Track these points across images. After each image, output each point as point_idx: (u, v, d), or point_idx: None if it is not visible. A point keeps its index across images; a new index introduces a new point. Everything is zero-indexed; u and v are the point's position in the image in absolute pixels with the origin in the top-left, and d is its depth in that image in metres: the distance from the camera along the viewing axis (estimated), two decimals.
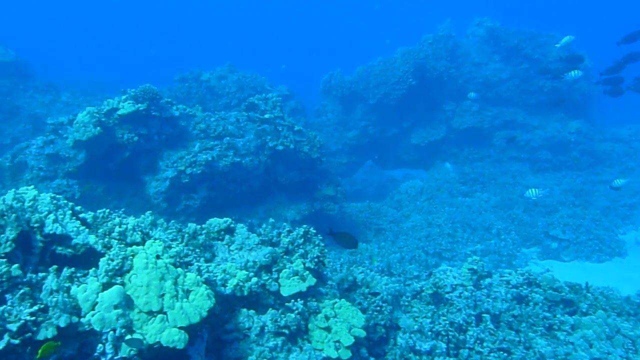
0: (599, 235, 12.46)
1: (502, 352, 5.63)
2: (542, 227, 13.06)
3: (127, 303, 3.72)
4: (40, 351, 3.29)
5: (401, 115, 16.63)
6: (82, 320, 3.61)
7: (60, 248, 4.21)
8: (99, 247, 4.23)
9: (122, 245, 4.10)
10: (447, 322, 5.83)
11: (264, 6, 67.88)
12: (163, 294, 3.83)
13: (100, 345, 3.57)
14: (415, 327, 5.68)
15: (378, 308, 5.58)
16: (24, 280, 3.66)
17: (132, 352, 3.53)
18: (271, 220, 5.64)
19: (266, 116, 11.09)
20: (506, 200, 14.44)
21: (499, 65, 16.63)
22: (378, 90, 16.11)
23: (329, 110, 17.77)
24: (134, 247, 4.11)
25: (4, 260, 3.60)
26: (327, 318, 4.87)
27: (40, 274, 3.81)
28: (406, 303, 6.21)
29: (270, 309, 4.79)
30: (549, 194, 14.03)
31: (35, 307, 3.45)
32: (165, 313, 3.76)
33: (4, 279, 3.52)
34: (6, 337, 3.28)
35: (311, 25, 68.66)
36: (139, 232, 4.47)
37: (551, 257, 12.38)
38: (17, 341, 3.30)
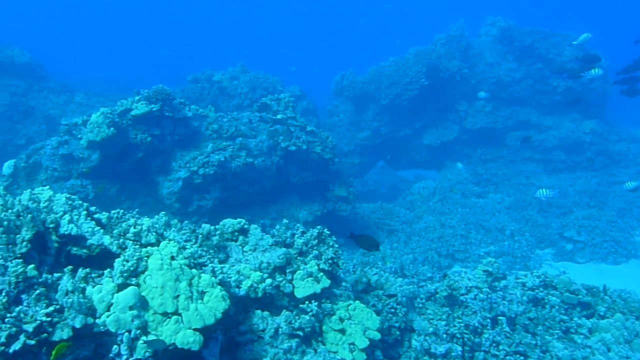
0: (614, 236, 12.30)
1: (518, 356, 5.55)
2: (557, 229, 12.92)
3: (142, 304, 3.71)
4: (54, 352, 3.29)
5: (413, 115, 16.54)
6: (97, 321, 3.61)
7: (75, 248, 4.21)
8: (113, 248, 4.23)
9: (137, 246, 4.10)
10: (462, 324, 5.77)
11: (274, 7, 67.97)
12: (178, 295, 3.81)
13: (115, 346, 3.57)
14: (430, 329, 5.62)
15: (392, 310, 5.53)
16: (40, 280, 3.66)
17: (147, 354, 3.52)
18: (285, 221, 5.61)
19: (278, 116, 11.07)
20: (520, 201, 14.31)
21: (512, 65, 16.49)
22: (390, 90, 16.04)
23: (340, 110, 17.72)
24: (149, 248, 4.10)
25: (20, 260, 3.61)
26: (341, 320, 4.83)
27: (56, 275, 3.81)
28: (420, 305, 6.15)
29: (285, 310, 4.77)
30: (559, 194, 13.89)
31: (51, 308, 3.45)
32: (180, 314, 3.75)
33: (20, 280, 3.52)
34: (22, 338, 3.28)
35: (322, 25, 68.67)
36: (154, 233, 4.47)
37: (566, 259, 12.24)
38: (33, 342, 3.30)
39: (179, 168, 9.74)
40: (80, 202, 4.60)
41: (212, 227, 5.34)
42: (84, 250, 4.23)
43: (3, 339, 3.20)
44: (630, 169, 15.49)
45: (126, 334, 3.56)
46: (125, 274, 3.83)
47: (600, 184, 14.86)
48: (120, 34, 61.92)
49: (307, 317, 4.62)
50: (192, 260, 4.28)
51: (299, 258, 5.23)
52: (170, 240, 4.41)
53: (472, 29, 17.46)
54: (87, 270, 3.91)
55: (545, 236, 12.84)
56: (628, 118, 20.17)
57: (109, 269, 3.98)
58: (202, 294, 3.93)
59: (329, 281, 5.01)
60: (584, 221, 12.77)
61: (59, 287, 3.68)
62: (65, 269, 3.81)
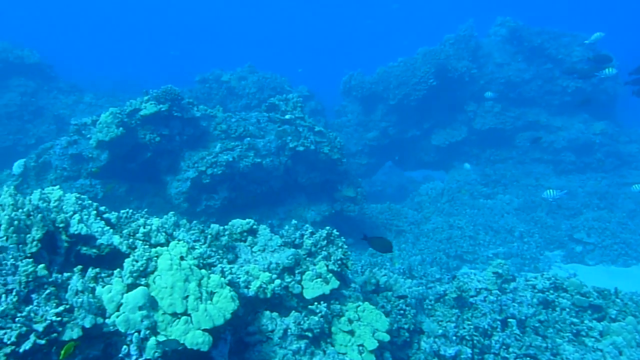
0: (625, 238, 12.18)
1: (528, 359, 5.51)
2: (566, 230, 12.81)
3: (151, 304, 3.71)
4: (62, 352, 3.30)
5: (422, 116, 16.49)
6: (106, 321, 3.61)
7: (85, 248, 4.22)
8: (123, 248, 4.24)
9: (147, 246, 4.09)
10: (471, 326, 5.73)
11: (281, 7, 68.04)
12: (187, 296, 3.81)
13: (124, 346, 3.56)
14: (440, 331, 5.58)
15: (402, 311, 5.50)
16: (50, 280, 3.67)
17: (156, 354, 3.51)
18: (294, 221, 5.60)
19: (287, 117, 11.06)
20: (529, 203, 14.21)
21: (521, 66, 16.40)
22: (398, 90, 16.00)
23: (349, 111, 17.70)
24: (158, 248, 4.10)
25: (30, 260, 3.61)
26: (350, 321, 4.81)
27: (66, 274, 3.82)
28: (429, 306, 6.12)
29: (294, 311, 4.75)
30: (569, 196, 13.79)
31: (61, 308, 3.46)
32: (189, 315, 3.74)
33: (30, 279, 3.53)
34: (32, 337, 3.29)
35: (329, 25, 68.68)
36: (163, 233, 4.47)
37: (575, 261, 12.13)
38: (43, 341, 3.31)
39: (188, 168, 9.75)
40: (89, 201, 4.60)
41: (221, 228, 5.33)
42: (94, 250, 4.24)
43: (14, 339, 3.21)
44: None
45: (135, 334, 3.55)
46: (134, 274, 3.83)
47: (611, 186, 14.72)
48: (129, 34, 62.27)
49: (316, 318, 4.60)
50: (201, 261, 4.27)
51: (307, 259, 5.21)
52: (179, 240, 4.40)
53: (481, 29, 17.39)
54: (97, 270, 3.91)
55: (555, 238, 12.75)
56: (639, 119, 20.00)
57: (118, 269, 3.98)
58: (211, 294, 3.92)
59: (338, 282, 4.99)
60: (594, 223, 12.67)
61: (69, 286, 3.68)
62: (75, 269, 3.82)
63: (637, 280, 10.85)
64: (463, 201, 14.56)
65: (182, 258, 4.03)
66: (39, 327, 3.32)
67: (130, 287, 3.76)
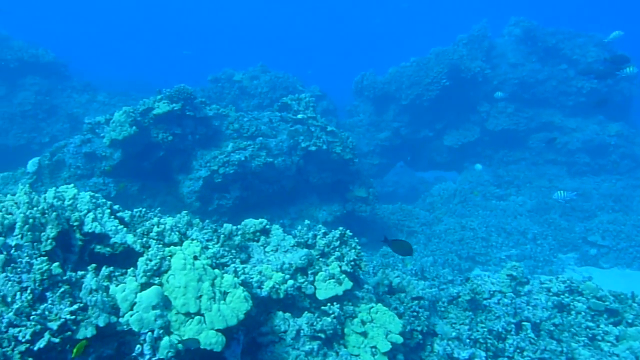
0: None
1: None
2: (580, 233, 12.66)
3: (165, 304, 3.70)
4: (75, 350, 3.30)
5: (434, 116, 16.40)
6: (120, 320, 3.61)
7: (98, 247, 4.22)
8: (137, 247, 4.23)
9: (160, 246, 4.09)
10: (485, 329, 5.67)
11: (292, 7, 68.11)
12: (200, 296, 3.79)
13: (138, 345, 3.55)
14: (453, 334, 5.52)
15: (415, 313, 5.45)
16: (64, 278, 3.67)
17: (169, 354, 3.50)
18: (307, 222, 5.57)
19: (299, 116, 11.04)
20: (542, 204, 14.07)
21: (535, 66, 16.24)
22: (411, 90, 15.92)
23: (360, 111, 17.64)
24: (172, 247, 4.09)
25: (45, 258, 3.62)
26: (363, 323, 4.77)
27: (80, 273, 3.82)
28: (442, 308, 6.06)
29: (306, 312, 4.72)
30: (583, 198, 13.63)
31: (75, 306, 3.46)
32: (202, 315, 3.73)
33: (44, 277, 3.53)
34: (47, 336, 3.29)
35: (339, 25, 68.63)
36: (177, 233, 4.46)
37: (590, 264, 11.99)
38: (57, 340, 3.31)
39: (200, 167, 9.76)
40: (103, 200, 4.61)
41: (234, 227, 5.32)
42: (107, 249, 4.24)
43: (28, 337, 3.21)
44: None
45: (149, 333, 3.55)
46: (148, 273, 3.82)
47: (626, 188, 14.53)
48: (142, 34, 62.68)
49: (329, 319, 4.57)
50: (214, 261, 4.26)
51: (320, 259, 5.18)
52: (193, 239, 4.39)
53: (495, 29, 17.29)
54: (111, 268, 3.91)
55: (569, 240, 12.60)
56: None
57: (132, 268, 3.98)
58: (224, 294, 3.91)
59: (351, 283, 4.96)
60: (609, 225, 12.50)
61: (83, 285, 3.68)
62: (88, 267, 3.82)
63: None
64: (475, 202, 14.45)
65: (195, 258, 4.02)
66: (54, 326, 3.33)
67: (144, 286, 3.76)
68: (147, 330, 3.57)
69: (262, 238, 5.39)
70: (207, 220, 5.76)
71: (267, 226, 5.49)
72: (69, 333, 3.38)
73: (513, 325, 5.76)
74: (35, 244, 3.79)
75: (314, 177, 11.05)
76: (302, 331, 4.54)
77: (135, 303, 3.64)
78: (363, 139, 16.89)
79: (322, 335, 4.53)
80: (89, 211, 4.31)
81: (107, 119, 10.04)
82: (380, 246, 10.77)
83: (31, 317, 3.30)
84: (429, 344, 5.48)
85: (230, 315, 3.78)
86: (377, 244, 11.12)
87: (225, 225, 5.26)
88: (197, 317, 3.71)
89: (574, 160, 15.53)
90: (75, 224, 4.11)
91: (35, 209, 3.88)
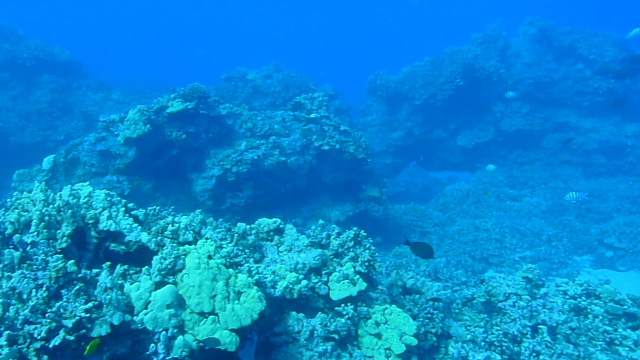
0: None
1: None
2: (596, 235, 12.48)
3: (179, 303, 3.69)
4: (87, 348, 3.29)
5: (448, 116, 16.28)
6: (134, 318, 3.60)
7: (113, 245, 4.23)
8: (151, 245, 4.23)
9: (175, 244, 4.08)
10: (500, 332, 5.59)
11: (305, 6, 68.08)
12: (214, 295, 3.78)
13: (152, 344, 3.55)
14: (468, 336, 5.46)
15: (429, 315, 5.40)
16: (79, 276, 3.67)
17: (183, 353, 3.49)
18: (320, 221, 5.53)
19: (312, 116, 11.01)
20: (557, 206, 13.90)
21: (551, 66, 16.05)
22: (424, 90, 15.82)
23: (373, 110, 17.57)
24: (186, 246, 4.08)
25: (60, 255, 3.63)
26: (377, 324, 4.73)
27: (94, 270, 3.82)
28: (457, 310, 6.00)
29: (320, 312, 4.69)
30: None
31: (90, 304, 3.46)
32: (216, 314, 3.71)
33: (60, 275, 3.54)
34: (62, 333, 3.29)
35: (352, 24, 68.51)
36: (191, 231, 4.45)
37: (605, 267, 11.81)
38: (72, 337, 3.31)
39: (213, 166, 9.77)
40: (118, 198, 4.61)
41: (248, 226, 5.31)
42: (122, 247, 4.24)
43: (44, 334, 3.22)
44: None
45: (163, 332, 3.54)
46: (163, 272, 3.82)
47: None
48: (156, 33, 63.08)
49: (342, 320, 4.54)
50: (228, 260, 4.24)
51: (334, 260, 5.15)
52: (207, 238, 4.38)
53: (510, 29, 17.12)
54: (125, 266, 3.91)
55: (584, 242, 12.43)
56: None
57: (146, 267, 3.97)
58: (238, 294, 3.89)
59: (365, 284, 4.92)
60: (625, 227, 12.30)
61: (98, 283, 3.68)
62: (103, 265, 3.82)
63: None
64: (489, 203, 14.32)
65: (209, 257, 4.01)
66: (69, 323, 3.33)
67: (158, 285, 3.75)
68: (161, 329, 3.56)
69: (276, 237, 5.36)
70: (220, 219, 5.75)
71: (281, 225, 5.47)
72: (84, 331, 3.39)
73: (529, 329, 5.68)
74: (50, 241, 3.80)
75: (327, 176, 11.01)
76: (315, 332, 4.51)
77: (149, 302, 3.63)
78: (376, 138, 16.82)
79: (336, 336, 4.49)
80: (104, 209, 4.32)
81: (121, 117, 10.09)
82: (393, 246, 10.71)
83: (46, 315, 3.31)
84: (444, 347, 5.42)
85: (244, 315, 3.76)
86: (390, 244, 11.07)
87: (239, 224, 5.24)
88: (211, 317, 3.69)
89: (589, 161, 15.34)
90: (91, 221, 4.12)
91: (51, 206, 3.89)
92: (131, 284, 3.77)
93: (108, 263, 3.82)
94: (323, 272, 4.93)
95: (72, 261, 3.63)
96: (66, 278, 3.58)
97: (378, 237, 10.78)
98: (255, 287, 3.98)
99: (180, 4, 67.19)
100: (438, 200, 15.44)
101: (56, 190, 4.37)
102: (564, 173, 15.31)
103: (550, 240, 12.26)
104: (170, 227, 4.40)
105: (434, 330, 5.34)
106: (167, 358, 3.50)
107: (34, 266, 3.57)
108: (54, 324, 3.29)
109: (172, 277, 3.84)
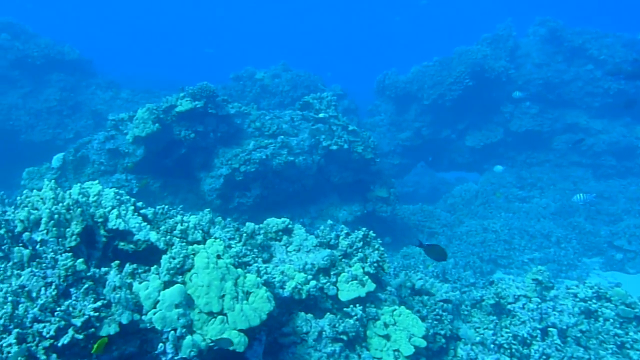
0: None
1: None
2: (606, 237, 12.37)
3: (187, 302, 3.68)
4: (95, 347, 3.29)
5: (456, 116, 16.19)
6: (143, 317, 3.59)
7: (122, 243, 4.23)
8: (160, 245, 4.22)
9: (184, 244, 4.07)
10: (510, 334, 5.54)
11: (314, 6, 68.04)
12: (223, 295, 3.76)
13: (160, 344, 3.54)
14: (477, 338, 5.42)
15: (438, 317, 5.36)
16: (88, 274, 3.67)
17: (192, 353, 3.48)
18: (329, 222, 5.51)
19: (321, 115, 10.99)
20: (566, 207, 13.80)
21: (561, 66, 15.93)
22: (433, 90, 15.74)
23: (382, 110, 17.51)
24: (195, 245, 4.07)
25: (70, 254, 3.62)
26: (386, 325, 4.70)
27: (103, 269, 3.82)
28: (466, 312, 5.96)
29: (328, 313, 4.67)
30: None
31: (99, 303, 3.45)
32: (225, 314, 3.70)
33: (69, 273, 3.54)
34: (70, 332, 3.29)
35: (360, 24, 68.42)
36: (200, 231, 4.44)
37: (615, 269, 11.70)
38: (81, 336, 3.30)
39: (221, 165, 9.77)
40: (127, 197, 4.61)
41: (257, 226, 5.29)
42: (131, 246, 4.24)
43: (52, 332, 3.22)
44: None
45: (172, 332, 3.53)
46: (171, 271, 3.81)
47: None
48: (165, 32, 63.31)
49: (351, 321, 4.51)
50: (237, 260, 4.23)
51: (343, 260, 5.12)
52: (216, 238, 4.37)
53: (519, 29, 17.01)
54: (134, 265, 3.91)
55: (594, 244, 12.33)
56: None
57: (155, 266, 3.96)
58: (247, 294, 3.87)
59: (374, 285, 4.89)
60: (636, 230, 12.18)
61: (107, 282, 3.68)
62: (112, 264, 3.82)
63: None
64: (498, 204, 14.24)
65: (218, 256, 3.99)
66: (77, 322, 3.33)
67: (167, 285, 3.74)
68: (169, 329, 3.55)
69: (285, 237, 5.35)
70: (228, 219, 5.74)
71: (290, 225, 5.45)
72: (93, 330, 3.38)
73: (539, 331, 5.62)
74: (60, 239, 3.81)
75: (335, 176, 10.99)
76: (324, 333, 4.48)
77: (158, 301, 3.62)
78: (384, 138, 16.77)
79: (344, 337, 4.47)
80: (113, 208, 4.32)
81: (130, 116, 10.12)
82: (401, 247, 10.67)
83: (55, 313, 3.30)
84: (452, 348, 5.38)
85: (252, 316, 3.75)
86: (397, 244, 11.02)
87: (247, 224, 5.23)
88: (219, 317, 3.68)
89: (599, 163, 15.21)
90: (100, 220, 4.12)
91: (60, 204, 3.89)
92: (140, 283, 3.76)
93: (117, 262, 3.82)
94: (332, 273, 4.91)
95: (81, 260, 3.63)
96: (75, 276, 3.57)
97: (386, 237, 10.73)
98: (264, 288, 3.96)
99: (190, 3, 67.40)
100: (446, 201, 15.36)
101: (65, 189, 4.37)
102: (573, 174, 15.19)
103: (560, 242, 12.17)
104: (179, 227, 4.40)
105: (442, 332, 5.30)
106: (176, 358, 3.49)
107: (44, 264, 3.57)
108: (63, 323, 3.29)
109: (180, 276, 3.83)
